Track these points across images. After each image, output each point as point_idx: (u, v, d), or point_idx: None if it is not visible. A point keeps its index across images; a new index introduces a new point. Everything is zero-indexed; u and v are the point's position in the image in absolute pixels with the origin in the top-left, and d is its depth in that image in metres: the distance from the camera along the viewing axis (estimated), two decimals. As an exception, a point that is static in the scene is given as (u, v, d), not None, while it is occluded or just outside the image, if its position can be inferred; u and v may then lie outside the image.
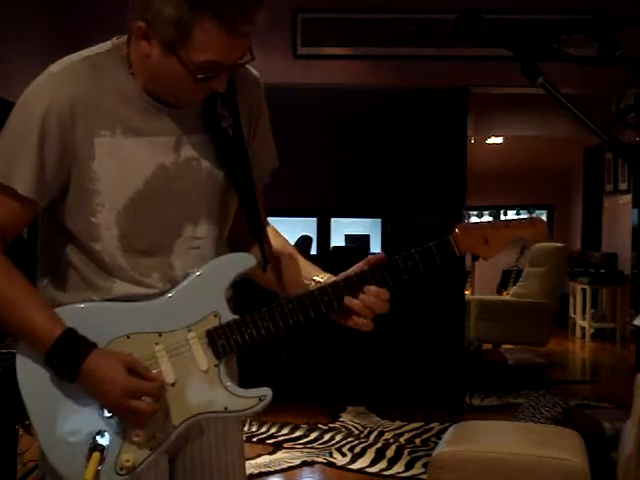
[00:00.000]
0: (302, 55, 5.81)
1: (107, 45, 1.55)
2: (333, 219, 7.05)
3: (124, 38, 1.54)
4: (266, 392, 1.54)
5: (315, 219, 6.97)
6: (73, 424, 1.51)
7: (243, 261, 1.58)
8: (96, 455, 1.47)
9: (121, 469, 1.49)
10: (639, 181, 7.24)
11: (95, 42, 1.56)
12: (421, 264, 1.53)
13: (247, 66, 1.57)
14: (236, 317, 1.54)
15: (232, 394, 1.54)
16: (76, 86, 1.48)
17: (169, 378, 1.52)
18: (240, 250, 1.62)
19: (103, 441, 1.49)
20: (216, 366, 1.53)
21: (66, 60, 1.52)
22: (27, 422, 1.54)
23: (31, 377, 1.52)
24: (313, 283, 1.62)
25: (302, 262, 1.69)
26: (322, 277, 1.63)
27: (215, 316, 1.54)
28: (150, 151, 1.51)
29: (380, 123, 6.28)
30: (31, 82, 1.53)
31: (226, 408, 1.54)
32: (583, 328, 9.38)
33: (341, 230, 7.18)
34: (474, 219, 11.29)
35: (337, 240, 7.09)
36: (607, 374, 7.81)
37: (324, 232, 6.91)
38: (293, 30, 5.78)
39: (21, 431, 2.90)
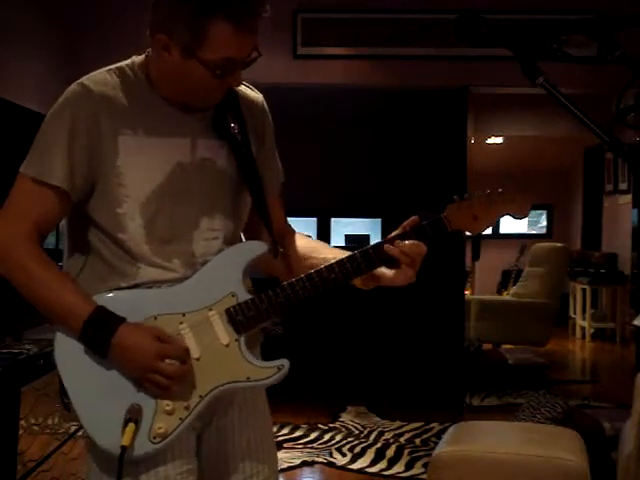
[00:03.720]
0: (302, 55, 5.82)
1: (127, 61, 1.74)
2: (333, 219, 7.04)
3: (142, 56, 1.73)
4: (284, 362, 1.68)
5: (315, 219, 6.96)
6: (109, 398, 1.64)
7: (256, 247, 1.75)
8: (131, 426, 1.59)
9: (155, 437, 1.63)
10: (639, 181, 7.25)
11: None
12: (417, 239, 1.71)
13: (252, 89, 1.83)
14: (252, 296, 1.70)
15: (253, 365, 1.68)
16: (102, 93, 1.67)
17: (194, 353, 1.66)
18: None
19: (137, 413, 1.61)
20: (236, 340, 1.68)
21: (93, 73, 1.71)
22: (66, 400, 1.67)
23: (68, 356, 1.66)
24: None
25: (336, 250, 1.83)
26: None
27: (233, 296, 1.69)
28: (169, 150, 1.69)
29: (380, 123, 6.28)
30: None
31: (248, 378, 1.68)
32: (583, 328, 9.38)
33: (341, 230, 7.17)
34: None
35: (337, 240, 7.08)
36: (607, 374, 7.81)
37: (324, 232, 6.90)
38: (293, 30, 5.79)
39: (21, 431, 2.90)
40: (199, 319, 1.68)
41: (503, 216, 1.74)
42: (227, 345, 1.67)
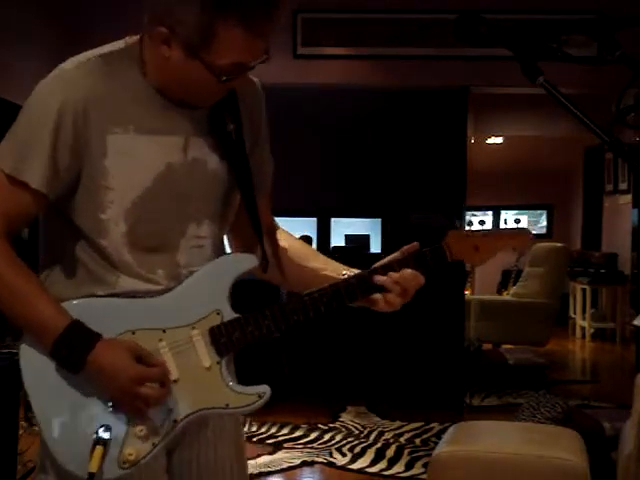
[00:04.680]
0: (302, 55, 5.82)
1: (120, 44, 1.57)
2: (333, 219, 7.04)
3: (136, 38, 1.56)
4: (265, 389, 1.57)
5: (315, 219, 6.96)
6: (77, 418, 1.52)
7: (246, 261, 1.62)
8: (99, 449, 1.49)
9: (124, 463, 1.52)
10: (639, 181, 7.25)
11: (95, 42, 1.57)
12: (415, 268, 1.61)
13: (252, 78, 1.64)
14: (238, 315, 1.57)
15: (233, 391, 1.57)
16: (91, 84, 1.50)
17: (173, 374, 1.54)
18: (247, 250, 1.68)
19: (106, 435, 1.50)
20: (218, 363, 1.56)
21: (81, 57, 1.54)
22: (30, 415, 1.57)
23: (35, 370, 1.54)
24: (343, 277, 1.65)
25: (326, 260, 1.73)
26: (350, 272, 1.67)
27: (218, 314, 1.57)
28: (160, 149, 1.54)
29: (380, 123, 6.28)
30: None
31: (227, 405, 1.57)
32: (583, 328, 9.38)
33: (341, 230, 7.17)
34: (474, 219, 11.28)
35: (337, 240, 7.08)
36: (607, 374, 7.81)
37: (324, 232, 6.90)
38: (293, 30, 5.78)
39: (21, 431, 2.90)
40: (180, 338, 1.55)
41: (503, 250, 1.67)
42: (208, 368, 1.55)
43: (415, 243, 1.63)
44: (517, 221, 11.31)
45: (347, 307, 1.64)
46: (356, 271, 1.65)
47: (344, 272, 1.66)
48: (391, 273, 1.59)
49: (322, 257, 1.75)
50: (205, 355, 1.56)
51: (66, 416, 1.53)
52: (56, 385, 1.53)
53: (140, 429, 1.52)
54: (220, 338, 1.56)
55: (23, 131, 1.50)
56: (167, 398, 1.53)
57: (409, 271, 1.60)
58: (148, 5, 1.46)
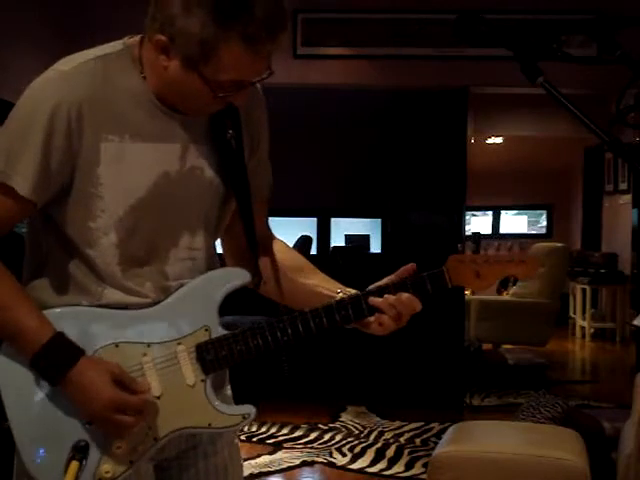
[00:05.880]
0: (302, 55, 5.82)
1: (118, 45, 1.51)
2: (333, 219, 7.05)
3: (136, 39, 1.51)
4: (250, 410, 1.53)
5: (315, 219, 6.97)
6: (53, 431, 1.48)
7: (238, 276, 1.56)
8: (75, 464, 1.44)
9: None
10: (639, 181, 7.25)
11: (95, 43, 1.55)
12: (413, 292, 1.54)
13: (256, 86, 1.58)
14: (226, 332, 1.52)
15: (217, 411, 1.52)
16: (86, 87, 1.44)
17: (155, 391, 1.49)
18: (244, 265, 1.61)
19: (83, 450, 1.46)
20: (203, 381, 1.51)
21: (77, 58, 1.48)
22: (6, 424, 1.49)
23: (13, 379, 1.48)
24: (337, 295, 1.60)
25: (322, 277, 1.67)
26: (344, 292, 1.61)
27: (206, 330, 1.52)
28: (156, 157, 1.49)
29: (380, 123, 6.28)
30: (34, 79, 1.49)
31: (210, 424, 1.52)
32: (583, 328, 9.38)
33: (341, 230, 7.18)
34: (475, 220, 11.28)
35: (337, 240, 7.09)
36: (607, 374, 7.81)
37: (324, 232, 6.91)
38: (293, 30, 5.79)
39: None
40: (165, 353, 1.50)
41: (506, 277, 1.60)
42: (192, 386, 1.50)
43: (412, 264, 1.56)
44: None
45: (339, 328, 1.58)
46: (351, 291, 1.59)
47: (339, 291, 1.60)
48: (387, 295, 1.53)
49: (319, 274, 1.68)
50: (190, 372, 1.51)
51: (42, 428, 1.48)
52: (34, 396, 1.48)
53: (118, 446, 1.47)
54: (206, 355, 1.51)
55: (14, 134, 1.45)
56: (148, 416, 1.47)
57: (406, 295, 1.53)
58: (150, 10, 1.42)
